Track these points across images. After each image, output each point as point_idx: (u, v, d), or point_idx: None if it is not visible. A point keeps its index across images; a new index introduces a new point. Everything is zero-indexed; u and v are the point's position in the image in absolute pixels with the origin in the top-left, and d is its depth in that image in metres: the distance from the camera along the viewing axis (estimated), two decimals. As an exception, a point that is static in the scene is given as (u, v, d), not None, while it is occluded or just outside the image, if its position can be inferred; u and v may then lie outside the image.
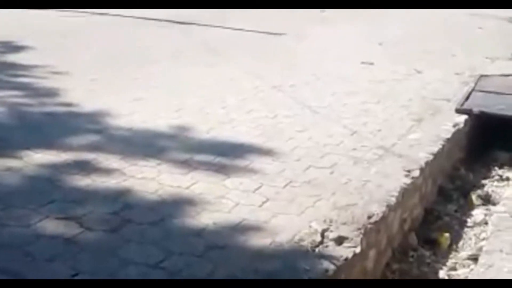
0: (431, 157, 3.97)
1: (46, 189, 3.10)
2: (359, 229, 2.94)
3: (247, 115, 4.63)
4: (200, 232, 2.78)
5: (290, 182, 3.41)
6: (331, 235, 2.85)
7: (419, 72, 6.13)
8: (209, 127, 4.28)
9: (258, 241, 2.75)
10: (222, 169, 3.51)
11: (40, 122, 4.24)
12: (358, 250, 2.80)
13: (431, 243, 3.70)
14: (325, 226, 2.91)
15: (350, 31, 8.67)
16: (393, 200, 3.33)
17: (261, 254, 2.64)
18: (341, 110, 4.87)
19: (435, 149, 4.10)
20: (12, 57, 6.21)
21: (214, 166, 3.54)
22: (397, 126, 4.52)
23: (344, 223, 2.97)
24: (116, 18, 9.04)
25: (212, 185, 3.29)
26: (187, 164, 3.55)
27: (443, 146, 4.22)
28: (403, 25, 8.83)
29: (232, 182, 3.35)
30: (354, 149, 4.01)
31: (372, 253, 3.08)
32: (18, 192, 3.07)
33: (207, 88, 5.39)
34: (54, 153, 3.60)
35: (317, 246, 2.75)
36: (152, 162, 3.54)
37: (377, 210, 3.16)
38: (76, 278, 2.37)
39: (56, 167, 3.40)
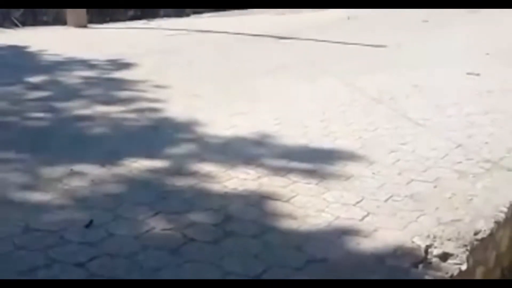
0: (543, 170, 3.77)
1: (152, 200, 3.22)
2: (465, 245, 2.83)
3: (347, 127, 4.59)
4: (300, 246, 2.78)
5: (392, 196, 3.34)
6: (435, 251, 2.76)
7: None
8: (308, 140, 4.28)
9: (359, 255, 2.72)
10: (322, 182, 3.50)
11: (145, 134, 4.41)
12: (464, 267, 2.70)
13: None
14: (428, 242, 2.82)
15: (455, 41, 8.42)
16: (502, 216, 3.17)
17: (362, 268, 2.60)
18: (445, 123, 4.72)
19: (548, 162, 3.89)
20: (118, 74, 6.56)
21: (314, 179, 3.54)
22: (506, 139, 4.32)
23: (449, 239, 2.86)
24: (219, 35, 9.30)
25: (312, 198, 3.28)
26: (287, 177, 3.56)
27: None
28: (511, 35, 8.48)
29: (332, 195, 3.33)
30: (459, 162, 3.87)
31: (479, 271, 2.95)
32: (127, 202, 3.20)
33: (307, 101, 5.42)
34: (158, 164, 3.73)
35: (420, 262, 2.67)
36: (253, 175, 3.59)
37: (485, 226, 3.02)
38: (180, 287, 2.43)
39: (160, 179, 3.52)
